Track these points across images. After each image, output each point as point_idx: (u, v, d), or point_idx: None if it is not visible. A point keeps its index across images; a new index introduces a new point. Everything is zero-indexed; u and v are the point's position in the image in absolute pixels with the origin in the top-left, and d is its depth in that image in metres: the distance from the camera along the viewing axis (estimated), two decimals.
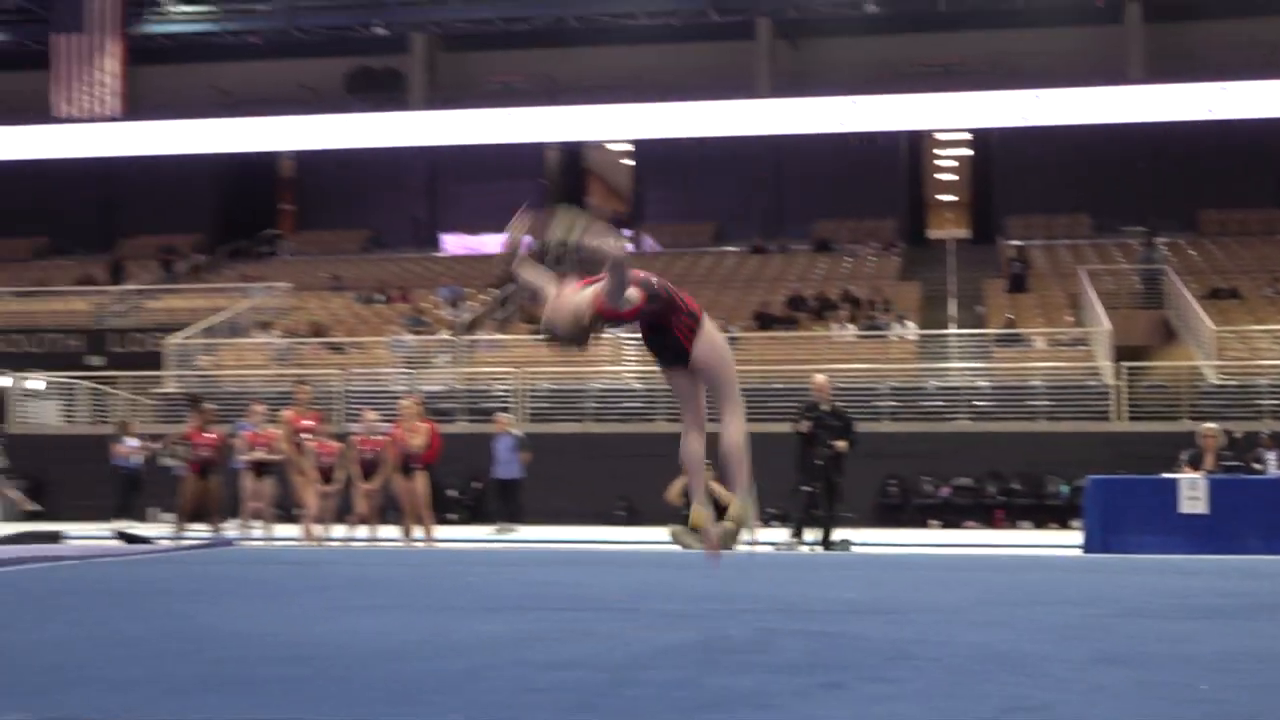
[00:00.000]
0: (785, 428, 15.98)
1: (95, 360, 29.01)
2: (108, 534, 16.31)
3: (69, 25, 31.87)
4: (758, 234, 33.67)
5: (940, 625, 6.70)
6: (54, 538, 15.53)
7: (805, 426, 14.46)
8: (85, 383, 26.19)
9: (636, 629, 6.42)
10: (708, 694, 4.37)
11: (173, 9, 32.88)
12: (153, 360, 26.73)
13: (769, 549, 14.43)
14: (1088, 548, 13.28)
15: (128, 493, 20.00)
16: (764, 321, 26.71)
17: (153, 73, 34.18)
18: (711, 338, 6.15)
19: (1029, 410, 22.20)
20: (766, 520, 18.28)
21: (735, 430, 6.30)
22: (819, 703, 4.22)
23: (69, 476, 22.01)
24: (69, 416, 25.54)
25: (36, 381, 26.45)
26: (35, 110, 33.39)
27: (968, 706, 4.16)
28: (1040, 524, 20.07)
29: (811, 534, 14.56)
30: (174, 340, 26.92)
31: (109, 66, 32.11)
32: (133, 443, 20.64)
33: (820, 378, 15.10)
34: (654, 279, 6.03)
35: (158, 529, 17.68)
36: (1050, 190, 32.05)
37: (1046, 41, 32.13)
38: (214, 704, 4.33)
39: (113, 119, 32.87)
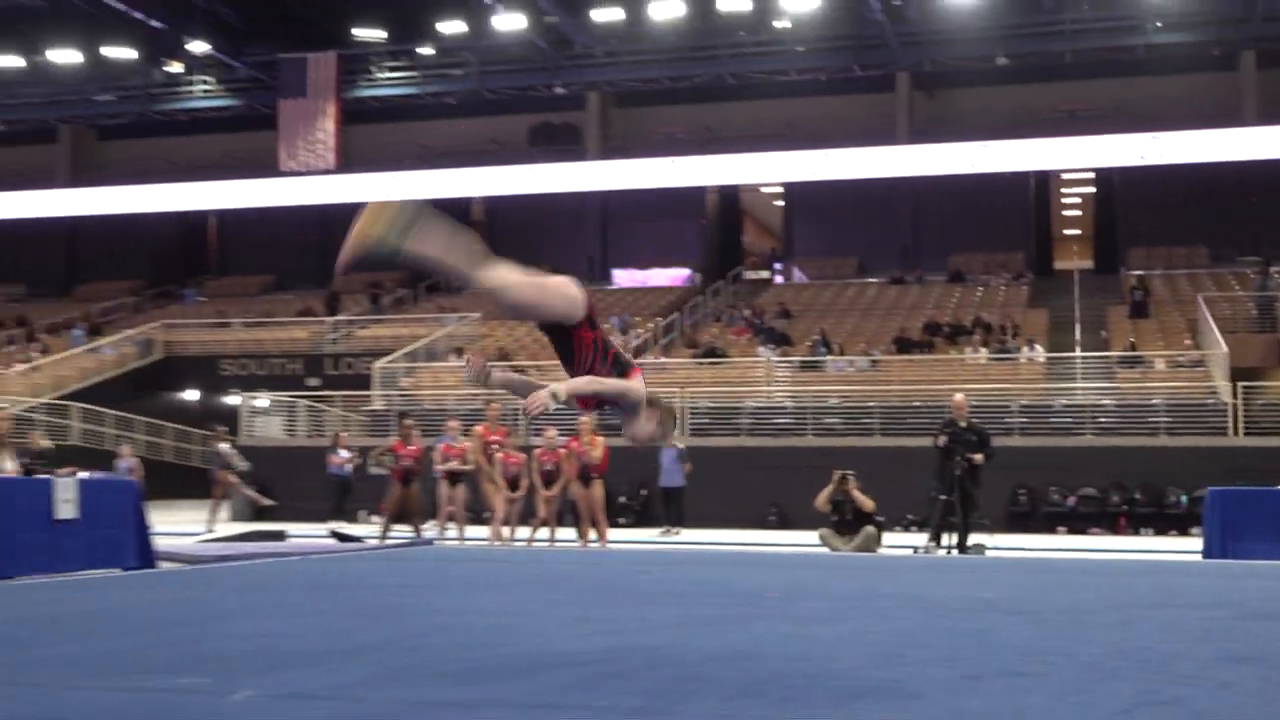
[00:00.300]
0: (924, 442, 15.84)
1: (313, 381, 29.71)
2: (324, 533, 16.66)
3: (293, 92, 32.79)
4: (897, 266, 33.36)
5: (1071, 624, 6.57)
6: (279, 536, 15.97)
7: (942, 441, 14.28)
8: (304, 401, 26.85)
9: (790, 624, 6.40)
10: (861, 684, 4.35)
11: (380, 75, 33.67)
12: (362, 381, 27.32)
13: (908, 552, 14.27)
14: (1207, 554, 12.86)
15: (340, 497, 20.39)
16: (903, 346, 26.40)
17: (363, 131, 35.04)
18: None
19: (1150, 426, 21.59)
20: (907, 526, 18.14)
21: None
22: (962, 694, 4.17)
23: (290, 483, 22.54)
24: (290, 430, 26.20)
25: (263, 400, 27.22)
26: (264, 166, 34.43)
27: (1100, 700, 4.08)
28: (1161, 531, 19.51)
29: (948, 539, 14.34)
30: (380, 364, 27.44)
31: (326, 126, 32.99)
32: (345, 454, 21.04)
33: (959, 397, 14.88)
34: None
35: (366, 529, 18.01)
36: (1170, 223, 31.24)
37: (1165, 87, 31.36)
38: (420, 683, 4.42)
39: (329, 172, 33.74)
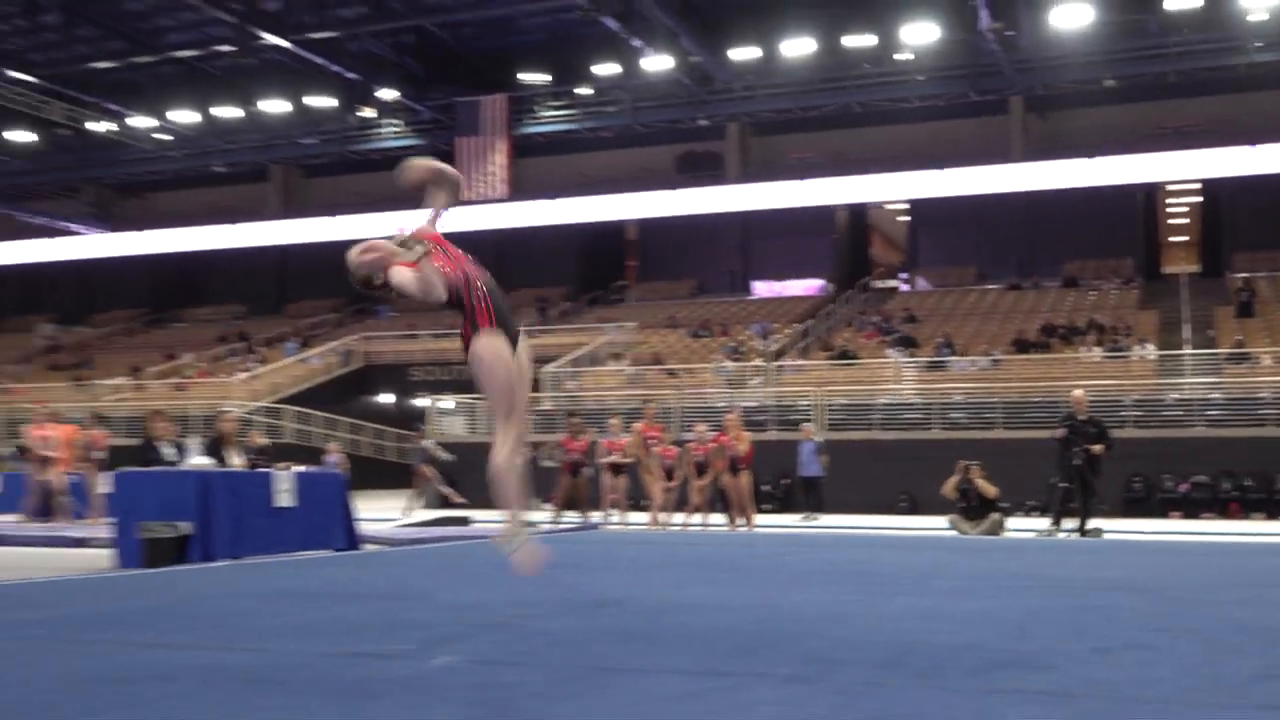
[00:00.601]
0: (1043, 434, 15.47)
1: None
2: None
3: (469, 130, 33.34)
4: (1013, 274, 32.67)
5: (1192, 602, 6.34)
6: (464, 522, 16.25)
7: (1060, 433, 13.91)
8: (483, 402, 27.22)
9: (928, 600, 6.29)
10: (996, 657, 4.25)
11: (544, 114, 34.04)
12: (533, 384, 27.60)
13: (1032, 536, 13.93)
14: None
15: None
16: (1021, 346, 25.79)
17: (530, 163, 35.48)
18: (479, 352, 4.89)
19: (1258, 418, 20.75)
20: (1028, 511, 17.70)
21: (496, 453, 5.08)
22: (1092, 665, 4.05)
23: (472, 475, 22.79)
24: (472, 428, 26.61)
25: (448, 402, 27.73)
26: None
27: (1224, 672, 3.92)
28: (1272, 515, 18.71)
29: (1068, 523, 13.96)
30: (549, 368, 27.74)
31: (498, 160, 33.48)
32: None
33: (1078, 392, 14.45)
34: (462, 280, 4.86)
35: (539, 516, 18.23)
36: (1274, 228, 29.96)
37: (1264, 102, 30.13)
38: (596, 650, 4.44)
39: (502, 200, 34.23)
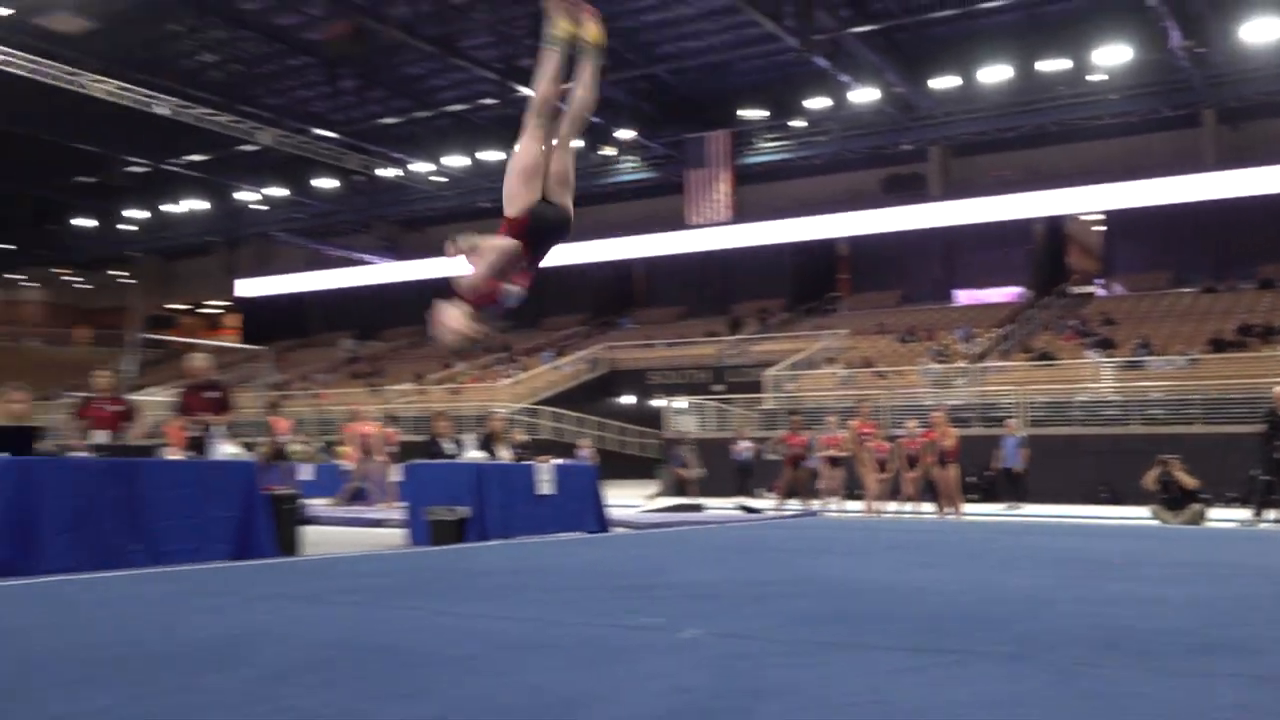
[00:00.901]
0: (1241, 429, 14.46)
1: (718, 387, 30.20)
2: (732, 507, 16.92)
3: (696, 163, 33.56)
4: (1208, 278, 30.62)
5: None
6: (698, 508, 16.33)
7: (1262, 428, 12.96)
8: (711, 403, 27.35)
9: (1137, 586, 5.96)
10: (1207, 640, 3.99)
11: (762, 145, 33.91)
12: (756, 386, 27.56)
13: (1233, 526, 13.03)
14: None
15: (743, 478, 20.63)
16: (1218, 346, 24.14)
17: (750, 190, 35.40)
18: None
19: None
20: (1228, 503, 16.55)
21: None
22: None
23: (704, 467, 23.03)
24: (702, 426, 26.74)
25: (680, 402, 27.93)
26: (675, 222, 35.43)
27: None
28: None
29: (1270, 514, 12.99)
30: (770, 372, 27.64)
31: (722, 188, 33.55)
32: (745, 443, 21.29)
33: (1279, 389, 13.47)
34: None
35: (764, 504, 18.18)
36: None
37: None
38: (823, 627, 4.38)
39: (725, 223, 34.29)
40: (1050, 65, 28.31)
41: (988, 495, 20.11)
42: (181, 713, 2.85)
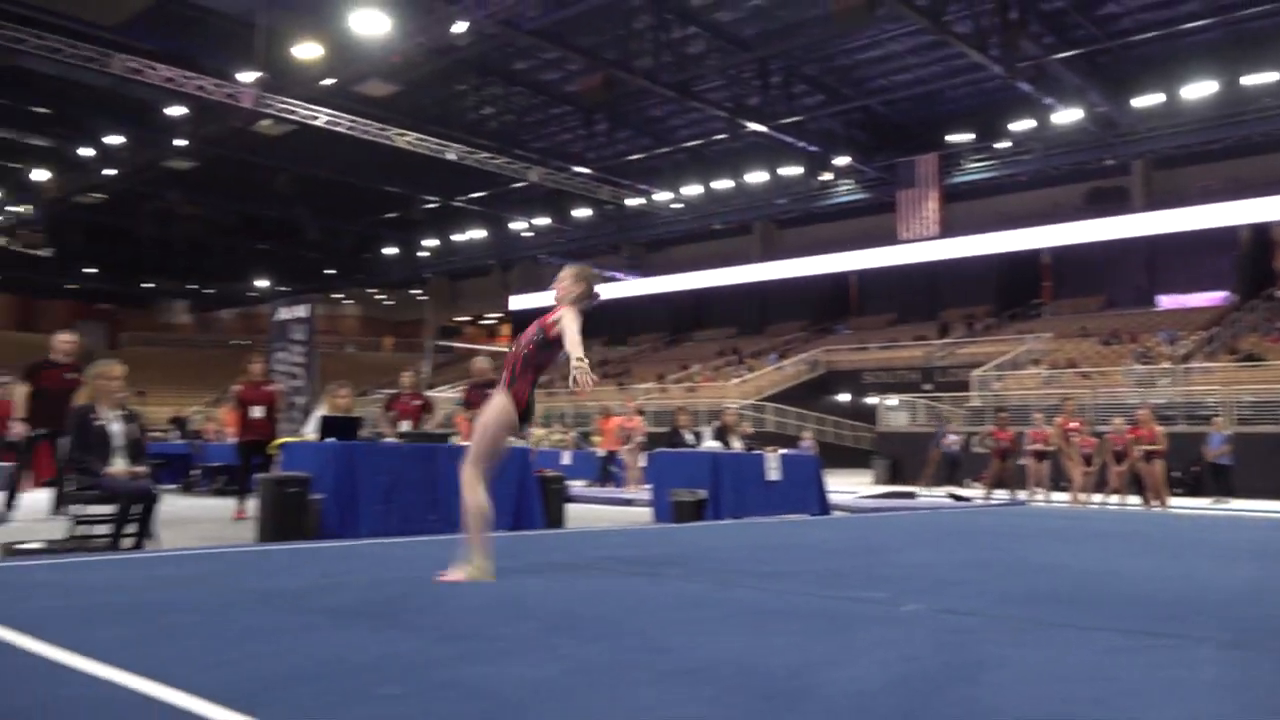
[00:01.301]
0: None
1: (927, 386, 29.28)
2: (942, 495, 16.34)
3: (906, 184, 32.54)
4: None
5: None
6: (910, 495, 15.86)
7: None
8: (921, 400, 26.51)
9: None
10: None
11: (968, 165, 32.44)
12: (963, 385, 26.52)
13: None
14: None
15: (951, 469, 19.91)
16: None
17: (957, 207, 34.02)
18: (501, 409, 4.59)
19: None
20: None
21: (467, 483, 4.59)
22: None
23: (914, 459, 22.33)
24: (913, 421, 26.00)
25: (892, 400, 27.20)
26: (885, 238, 34.49)
27: None
28: None
29: None
30: (977, 372, 26.53)
31: (930, 206, 32.39)
32: (953, 437, 20.52)
33: None
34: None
35: (972, 493, 17.45)
36: None
37: None
38: (1039, 607, 4.12)
39: (934, 238, 33.13)
40: (1256, 79, 25.84)
41: (1193, 490, 18.58)
42: (482, 655, 2.98)
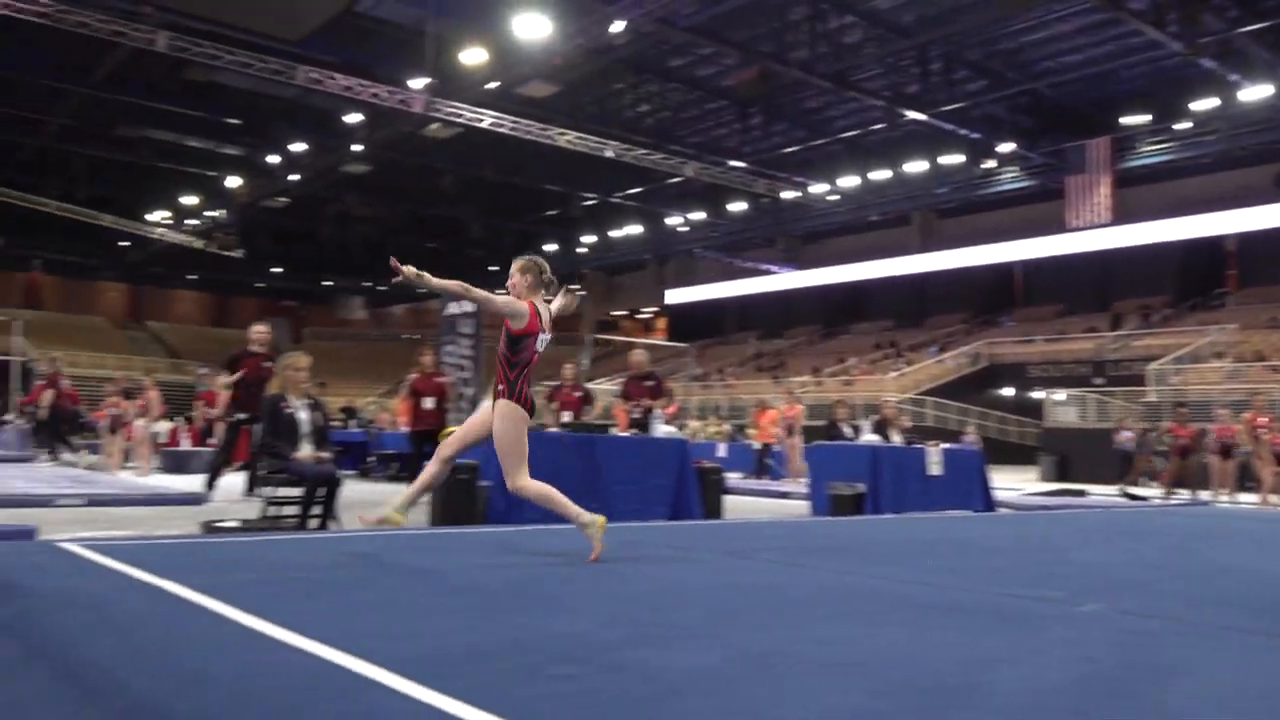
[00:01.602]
0: None
1: (1098, 380, 27.91)
2: (1115, 493, 15.53)
3: (1076, 170, 30.98)
4: None
5: None
6: (1081, 493, 15.12)
7: None
8: (1092, 395, 25.25)
9: None
10: None
11: (1144, 149, 30.62)
12: (1137, 380, 25.11)
13: None
14: None
15: (1125, 466, 18.90)
16: None
17: (1131, 192, 32.15)
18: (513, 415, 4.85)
19: None
20: None
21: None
22: None
23: (1084, 455, 21.32)
24: (1083, 417, 24.79)
25: (1060, 395, 25.99)
26: (1052, 227, 32.93)
27: None
28: None
29: None
30: (1153, 366, 25.06)
31: (1103, 192, 30.74)
32: (1127, 434, 19.48)
33: None
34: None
35: (1149, 492, 16.49)
36: None
37: None
38: (1224, 612, 3.86)
39: (1106, 225, 31.44)
40: None
41: None
42: (646, 640, 3.03)
